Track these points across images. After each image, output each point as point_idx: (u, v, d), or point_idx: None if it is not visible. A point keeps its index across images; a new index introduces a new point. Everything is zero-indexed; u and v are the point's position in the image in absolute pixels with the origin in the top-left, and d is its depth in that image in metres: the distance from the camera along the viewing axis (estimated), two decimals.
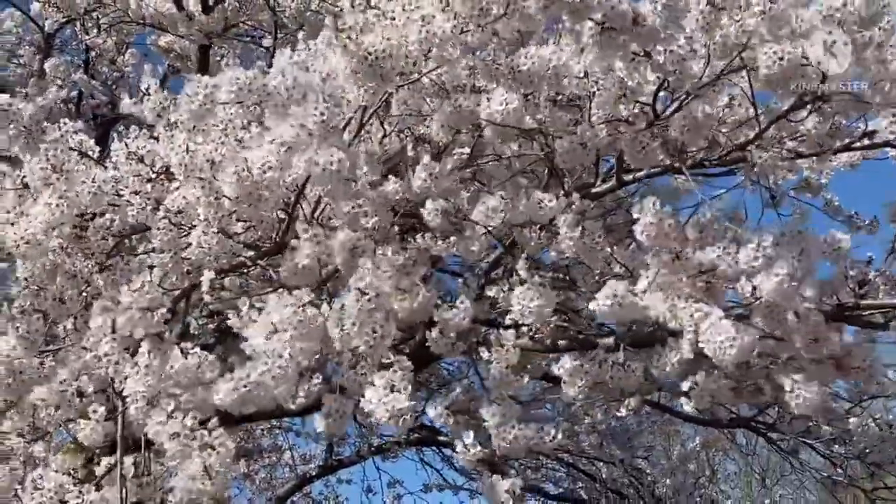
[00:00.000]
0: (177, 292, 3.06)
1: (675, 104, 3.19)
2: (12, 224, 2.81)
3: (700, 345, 2.68)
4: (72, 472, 2.91)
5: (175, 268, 2.96)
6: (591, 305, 2.82)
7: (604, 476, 9.20)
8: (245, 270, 3.24)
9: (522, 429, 2.84)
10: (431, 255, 3.30)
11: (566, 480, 10.03)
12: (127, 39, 8.06)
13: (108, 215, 3.10)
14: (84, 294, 3.05)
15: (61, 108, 7.17)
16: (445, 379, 8.20)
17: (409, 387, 2.71)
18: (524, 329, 3.38)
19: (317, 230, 2.88)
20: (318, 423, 2.89)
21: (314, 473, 9.06)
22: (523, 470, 8.95)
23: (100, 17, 7.44)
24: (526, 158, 3.54)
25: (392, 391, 2.69)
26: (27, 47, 8.63)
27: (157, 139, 3.15)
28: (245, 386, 2.55)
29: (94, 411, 2.83)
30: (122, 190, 2.96)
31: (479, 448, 2.85)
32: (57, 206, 2.81)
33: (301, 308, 2.64)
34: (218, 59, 6.90)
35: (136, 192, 2.95)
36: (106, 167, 3.07)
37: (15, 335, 2.86)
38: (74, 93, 8.00)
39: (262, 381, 2.55)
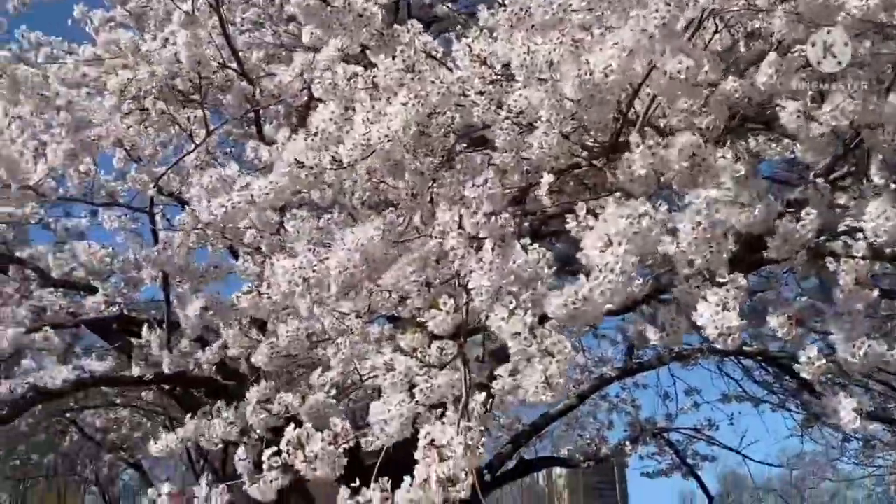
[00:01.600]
0: (514, 191, 3.17)
1: None
2: (373, 123, 3.00)
3: None
4: (417, 353, 3.13)
5: (515, 167, 3.05)
6: None
7: None
8: (579, 172, 3.27)
9: (872, 345, 2.70)
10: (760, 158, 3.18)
11: (877, 398, 9.51)
12: None
13: (448, 114, 3.23)
14: (431, 189, 3.22)
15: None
16: (752, 289, 7.94)
17: (740, 306, 2.65)
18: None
19: (652, 141, 2.85)
20: (651, 334, 2.91)
21: (613, 375, 9.14)
22: (830, 385, 8.57)
23: None
24: (880, 57, 3.27)
25: (724, 309, 2.64)
26: None
27: (495, 40, 3.22)
28: (574, 303, 2.59)
29: (444, 303, 3.01)
30: (467, 90, 3.07)
31: (823, 361, 2.74)
32: (413, 105, 2.96)
33: (637, 220, 2.62)
34: None
35: (481, 93, 3.05)
36: (450, 69, 3.19)
37: (372, 226, 3.08)
38: None
39: (592, 298, 2.59)
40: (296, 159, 3.07)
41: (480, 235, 2.78)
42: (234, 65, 6.05)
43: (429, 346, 3.37)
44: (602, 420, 11.43)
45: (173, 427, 14.25)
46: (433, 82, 3.04)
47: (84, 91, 6.37)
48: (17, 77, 5.00)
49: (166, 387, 7.80)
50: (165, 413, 13.98)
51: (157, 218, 6.82)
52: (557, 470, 48.63)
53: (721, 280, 2.65)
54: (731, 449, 11.15)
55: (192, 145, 6.40)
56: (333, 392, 4.52)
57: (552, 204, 3.11)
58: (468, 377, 2.95)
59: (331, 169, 3.07)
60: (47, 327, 6.75)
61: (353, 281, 3.11)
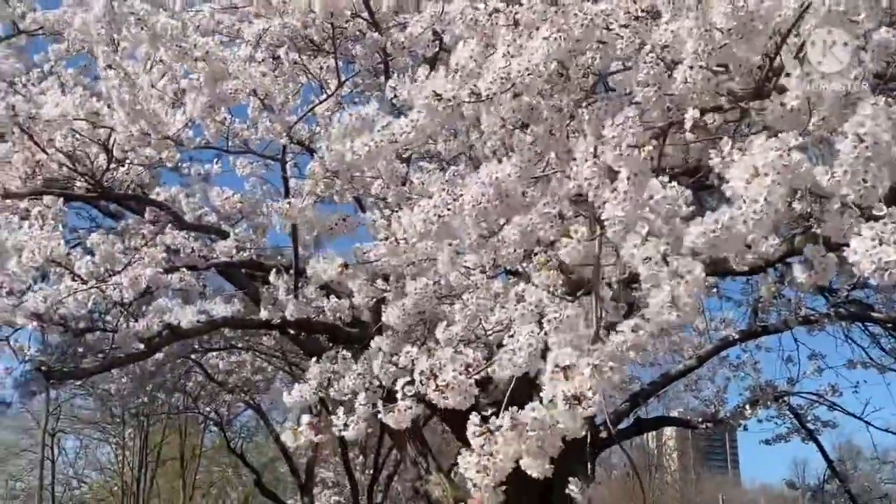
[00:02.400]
0: (654, 129, 3.12)
1: None
2: (513, 56, 3.00)
3: None
4: (551, 288, 3.14)
5: (657, 103, 3.00)
6: None
7: None
8: (724, 112, 3.20)
9: None
10: None
11: None
12: None
13: (589, 53, 3.19)
14: (569, 127, 3.20)
15: None
16: None
17: None
18: None
19: (809, 67, 2.76)
20: (799, 273, 2.84)
21: (736, 337, 8.97)
22: None
23: None
24: None
25: (881, 244, 2.55)
26: None
27: None
28: (714, 231, 2.55)
29: (576, 231, 3.00)
30: (611, 24, 3.03)
31: None
32: (555, 38, 2.94)
33: (787, 152, 2.55)
34: None
35: (625, 26, 3.01)
36: (595, 1, 3.15)
37: (509, 163, 3.09)
38: None
39: (734, 226, 2.53)
40: (434, 91, 3.09)
41: (619, 169, 2.75)
42: (365, 14, 6.11)
43: (562, 286, 3.38)
44: (719, 383, 11.24)
45: (293, 372, 14.68)
46: (576, 14, 3.01)
47: (217, 39, 6.54)
48: (157, 30, 5.16)
49: (291, 331, 8.03)
50: (284, 358, 14.43)
51: (288, 166, 6.99)
52: (668, 431, 48.04)
53: (878, 214, 2.55)
54: (853, 415, 10.86)
55: (322, 95, 6.51)
56: (461, 347, 4.59)
57: (696, 140, 3.05)
58: (599, 309, 2.95)
59: (469, 102, 3.08)
60: (184, 269, 7.03)
61: (487, 216, 3.12)
